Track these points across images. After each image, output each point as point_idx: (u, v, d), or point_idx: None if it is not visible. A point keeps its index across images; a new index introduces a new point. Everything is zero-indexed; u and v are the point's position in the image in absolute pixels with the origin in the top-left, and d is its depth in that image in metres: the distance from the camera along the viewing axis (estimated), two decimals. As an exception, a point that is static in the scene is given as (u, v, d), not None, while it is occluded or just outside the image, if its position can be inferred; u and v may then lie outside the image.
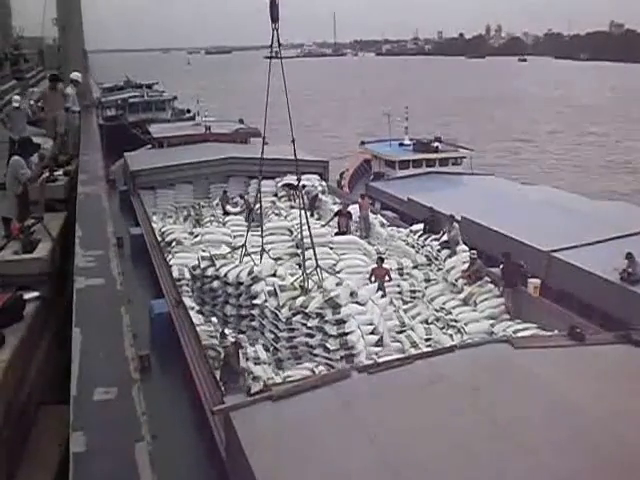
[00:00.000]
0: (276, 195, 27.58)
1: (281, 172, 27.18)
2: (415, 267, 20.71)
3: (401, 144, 38.84)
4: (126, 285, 6.32)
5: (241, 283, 17.19)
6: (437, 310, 18.78)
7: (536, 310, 17.82)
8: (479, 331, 17.41)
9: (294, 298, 16.16)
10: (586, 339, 14.26)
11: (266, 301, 16.50)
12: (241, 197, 26.54)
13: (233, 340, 15.33)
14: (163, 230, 22.47)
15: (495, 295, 18.91)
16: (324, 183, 28.59)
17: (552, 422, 9.71)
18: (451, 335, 17.62)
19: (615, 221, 24.11)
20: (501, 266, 18.92)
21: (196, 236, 21.66)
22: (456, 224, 21.13)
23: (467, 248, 20.34)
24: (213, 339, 16.47)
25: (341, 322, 15.81)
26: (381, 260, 19.19)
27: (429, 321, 18.60)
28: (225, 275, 17.52)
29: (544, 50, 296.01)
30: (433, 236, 21.69)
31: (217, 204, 26.69)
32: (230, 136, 38.49)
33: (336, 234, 21.42)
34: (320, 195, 26.57)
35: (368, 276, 18.89)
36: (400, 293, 19.55)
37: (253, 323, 17.01)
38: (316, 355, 15.97)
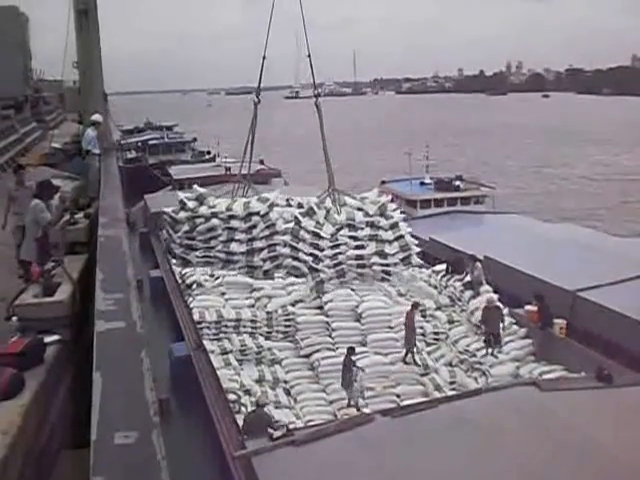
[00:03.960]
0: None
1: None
2: (438, 308, 20.53)
3: (422, 183, 38.55)
4: (146, 328, 6.24)
5: (251, 214, 16.59)
6: (461, 352, 18.56)
7: (562, 351, 17.55)
8: (504, 374, 17.16)
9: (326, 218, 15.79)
10: (614, 381, 14.00)
11: (296, 224, 15.93)
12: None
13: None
14: (183, 272, 22.42)
15: (520, 336, 18.66)
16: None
17: (580, 466, 9.47)
18: (476, 378, 17.39)
19: (640, 259, 23.78)
20: (534, 307, 18.79)
21: (217, 278, 21.57)
22: (479, 264, 20.93)
23: (491, 289, 20.13)
24: (233, 382, 16.33)
25: (395, 225, 15.52)
26: (415, 306, 18.96)
27: (453, 364, 18.39)
28: (229, 209, 16.88)
29: (566, 86, 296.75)
30: (456, 276, 21.48)
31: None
32: (251, 177, 38.59)
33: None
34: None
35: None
36: (423, 335, 19.34)
37: (273, 254, 16.37)
38: (363, 267, 15.56)
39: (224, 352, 18.08)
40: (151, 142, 56.98)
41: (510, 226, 32.16)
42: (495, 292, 20.02)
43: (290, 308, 19.44)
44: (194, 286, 21.09)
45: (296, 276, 16.36)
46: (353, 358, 16.78)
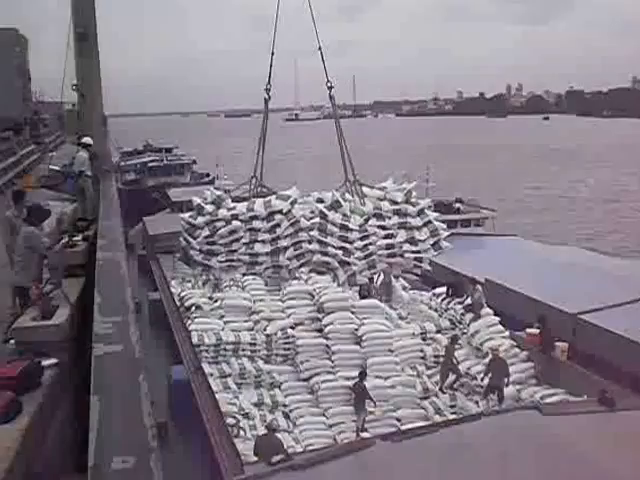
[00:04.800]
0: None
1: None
2: (438, 331, 20.43)
3: None
4: (145, 351, 6.17)
5: (273, 213, 16.30)
6: (462, 375, 18.41)
7: (564, 374, 17.45)
8: (506, 397, 17.04)
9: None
10: (617, 404, 13.90)
11: (322, 218, 15.75)
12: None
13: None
14: (182, 295, 22.36)
15: (521, 360, 18.56)
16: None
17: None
18: (477, 402, 17.26)
19: (642, 281, 23.72)
20: (535, 330, 18.70)
21: (215, 301, 21.51)
22: (479, 287, 20.87)
23: (491, 312, 20.05)
24: (232, 406, 16.21)
25: (422, 211, 15.47)
26: (454, 339, 19.00)
27: (454, 387, 18.25)
28: (251, 209, 16.56)
29: (566, 108, 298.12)
30: (457, 299, 21.41)
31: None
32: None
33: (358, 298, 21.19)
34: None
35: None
36: (423, 358, 19.25)
37: (299, 251, 16.14)
38: (394, 256, 15.45)
39: (223, 375, 17.98)
40: (150, 164, 57.08)
41: (511, 248, 32.16)
42: (496, 315, 19.95)
43: (290, 331, 19.37)
44: (193, 309, 21.03)
45: (324, 272, 16.23)
46: (365, 383, 16.77)
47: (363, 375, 16.97)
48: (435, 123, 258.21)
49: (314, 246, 15.65)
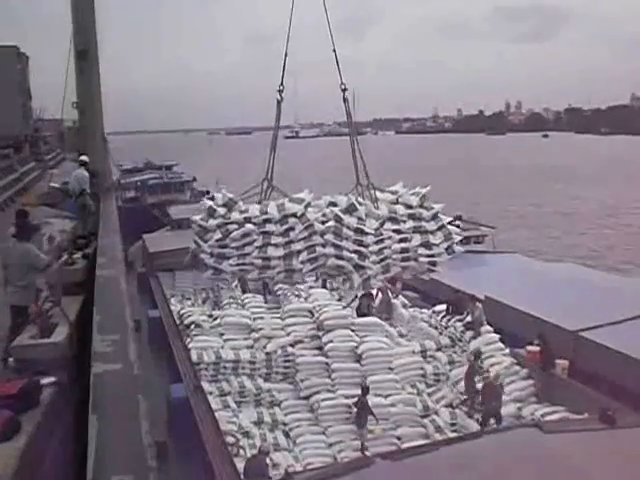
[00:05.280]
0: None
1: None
2: (439, 349, 20.37)
3: None
4: (144, 369, 6.16)
5: (287, 216, 16.00)
6: (462, 393, 18.35)
7: (565, 392, 17.39)
8: (506, 415, 16.97)
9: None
10: (617, 422, 13.86)
11: (337, 222, 15.54)
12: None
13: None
14: (182, 312, 22.33)
15: (522, 377, 18.51)
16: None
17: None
18: (477, 419, 17.17)
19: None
20: (536, 347, 18.65)
21: (215, 319, 21.47)
22: (479, 304, 20.84)
23: (491, 329, 20.02)
24: (232, 425, 16.14)
25: (436, 215, 15.38)
26: (477, 356, 18.88)
27: (454, 405, 18.20)
28: (264, 212, 16.21)
29: (565, 125, 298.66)
30: (457, 317, 21.37)
31: (236, 285, 26.59)
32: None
33: (357, 315, 21.14)
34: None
35: None
36: (423, 376, 19.20)
37: (313, 255, 15.90)
38: (408, 260, 15.32)
39: (222, 394, 17.90)
40: (150, 182, 57.06)
41: (510, 266, 32.09)
42: (496, 332, 19.92)
43: (289, 349, 19.32)
44: (192, 326, 20.99)
45: (338, 276, 16.12)
46: (367, 399, 16.71)
47: (366, 391, 16.92)
48: (434, 140, 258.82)
49: (329, 250, 15.47)
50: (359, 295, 21.93)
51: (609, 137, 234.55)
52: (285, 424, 17.41)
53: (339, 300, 23.16)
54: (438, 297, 25.16)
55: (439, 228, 16.32)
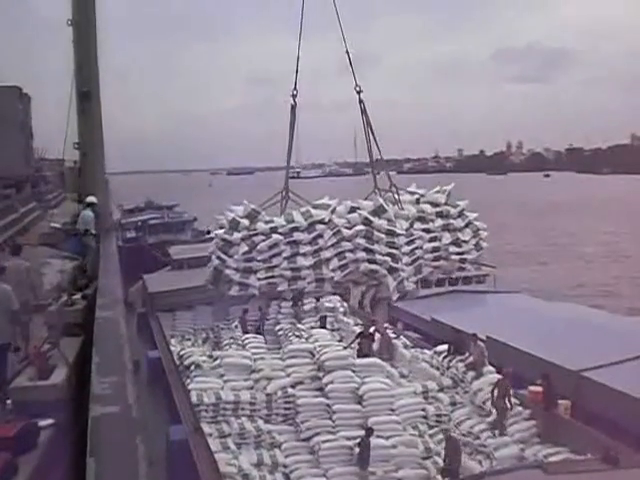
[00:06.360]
0: (296, 317, 27.34)
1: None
2: (440, 390, 20.25)
3: None
4: (143, 411, 6.11)
5: (314, 223, 15.29)
6: (465, 435, 18.19)
7: (568, 433, 17.25)
8: (509, 456, 16.85)
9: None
10: (620, 463, 13.73)
11: (366, 225, 15.04)
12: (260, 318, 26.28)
13: None
14: (181, 353, 22.24)
15: (524, 418, 18.37)
16: (345, 304, 28.40)
17: None
18: (480, 461, 17.02)
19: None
20: (538, 387, 18.55)
21: (215, 359, 21.38)
22: (481, 344, 20.76)
23: (494, 369, 19.91)
24: (231, 467, 15.99)
25: (462, 212, 15.14)
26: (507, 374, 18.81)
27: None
28: (290, 220, 15.46)
29: (566, 165, 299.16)
30: (458, 357, 21.25)
31: (236, 326, 26.51)
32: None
33: (358, 356, 21.03)
34: (341, 316, 26.33)
35: None
36: (425, 417, 19.03)
37: (343, 262, 15.27)
38: (438, 259, 15.06)
39: (222, 435, 17.76)
40: (151, 222, 57.20)
41: (512, 306, 32.04)
42: (498, 373, 19.81)
43: (290, 390, 19.20)
44: (192, 367, 20.89)
45: (368, 282, 15.79)
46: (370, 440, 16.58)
47: (370, 432, 16.77)
48: (436, 180, 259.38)
49: (361, 255, 15.00)
50: (359, 336, 21.86)
51: (611, 177, 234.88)
52: (285, 466, 17.25)
53: (340, 341, 23.08)
54: (439, 337, 25.09)
55: (466, 225, 16.05)
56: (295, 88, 16.83)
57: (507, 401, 18.20)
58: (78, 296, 11.96)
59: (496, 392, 18.36)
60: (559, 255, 70.64)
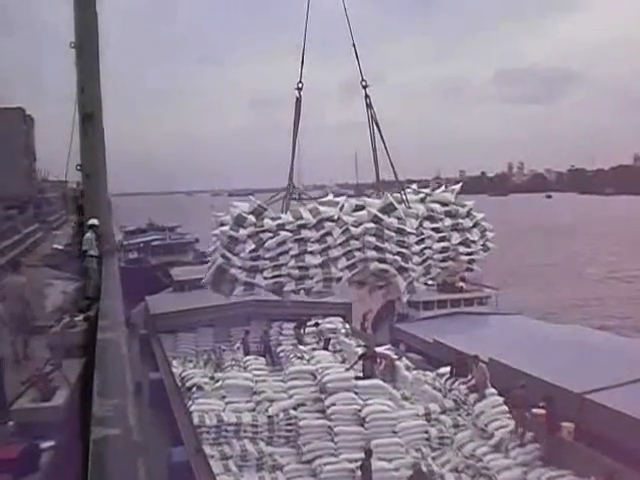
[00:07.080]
0: (298, 338, 27.32)
1: (303, 314, 27.09)
2: (443, 412, 20.16)
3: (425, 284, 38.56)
4: (144, 433, 6.10)
5: (323, 220, 14.85)
6: (467, 457, 18.11)
7: (571, 455, 17.13)
8: (512, 479, 16.70)
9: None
10: (625, 487, 13.64)
11: (376, 223, 14.72)
12: (262, 340, 26.28)
13: None
14: (183, 375, 22.21)
15: (527, 441, 18.26)
16: (347, 325, 28.38)
17: None
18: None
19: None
20: (541, 410, 18.48)
21: (217, 381, 21.34)
22: (483, 366, 20.69)
23: (496, 391, 19.83)
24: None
25: (470, 212, 15.06)
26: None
27: (459, 469, 17.96)
28: (298, 217, 15.05)
29: (568, 186, 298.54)
30: (460, 379, 21.17)
31: (238, 347, 26.49)
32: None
33: (360, 378, 20.98)
34: (343, 338, 26.30)
35: None
36: (428, 440, 18.95)
37: (352, 261, 14.87)
38: (446, 260, 14.91)
39: (224, 457, 17.69)
40: (153, 243, 57.23)
41: (514, 327, 31.97)
42: (500, 395, 19.73)
43: (292, 412, 19.16)
44: (194, 389, 20.86)
45: (376, 282, 15.56)
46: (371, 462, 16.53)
47: (369, 454, 16.69)
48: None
49: (371, 253, 14.67)
50: (362, 357, 21.83)
51: (614, 197, 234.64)
52: (287, 489, 17.18)
53: (342, 362, 23.04)
54: (442, 359, 25.01)
55: (474, 225, 15.97)
56: (300, 80, 16.51)
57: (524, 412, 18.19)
58: (80, 318, 11.97)
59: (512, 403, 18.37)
60: (563, 276, 70.52)
